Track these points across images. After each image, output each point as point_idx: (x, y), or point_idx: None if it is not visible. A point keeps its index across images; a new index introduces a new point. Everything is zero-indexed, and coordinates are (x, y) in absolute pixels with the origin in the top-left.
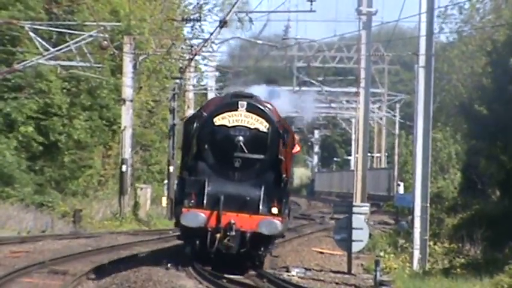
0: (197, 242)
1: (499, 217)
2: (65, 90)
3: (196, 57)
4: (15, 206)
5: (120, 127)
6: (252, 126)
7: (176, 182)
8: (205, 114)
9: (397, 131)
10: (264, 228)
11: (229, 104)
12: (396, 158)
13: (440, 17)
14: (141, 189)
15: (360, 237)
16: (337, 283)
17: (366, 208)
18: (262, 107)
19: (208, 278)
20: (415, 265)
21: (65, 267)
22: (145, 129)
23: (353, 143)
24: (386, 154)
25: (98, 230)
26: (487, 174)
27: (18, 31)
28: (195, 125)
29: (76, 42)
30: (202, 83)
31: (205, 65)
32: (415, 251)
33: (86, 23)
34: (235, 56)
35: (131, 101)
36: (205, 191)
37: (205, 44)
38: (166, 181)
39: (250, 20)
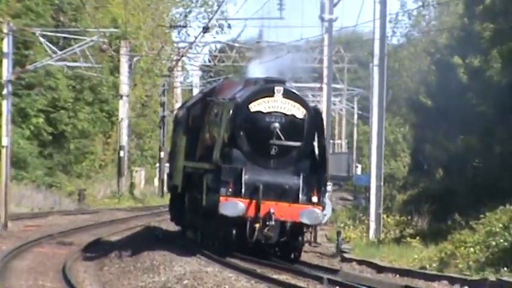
0: (234, 231)
1: (442, 194)
2: (70, 87)
3: (183, 58)
4: (28, 186)
5: (117, 118)
6: (288, 113)
7: (168, 165)
8: (238, 100)
9: (355, 121)
10: (306, 218)
11: (265, 90)
12: (354, 143)
13: (392, 23)
14: (136, 171)
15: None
16: (305, 251)
17: (329, 187)
18: (298, 93)
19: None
20: (371, 235)
21: (70, 238)
22: (140, 120)
23: None
24: (346, 140)
25: (99, 206)
26: (432, 157)
27: (30, 37)
28: (230, 112)
29: (80, 46)
30: (188, 81)
31: (190, 64)
32: (371, 223)
33: (88, 30)
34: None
35: (127, 96)
36: (243, 180)
37: (191, 47)
38: (157, 164)
39: (229, 26)
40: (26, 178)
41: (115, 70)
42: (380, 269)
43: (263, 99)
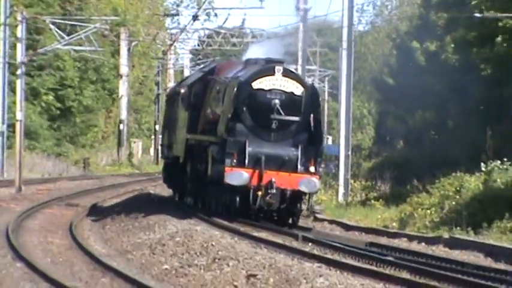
0: (237, 199)
1: (402, 162)
2: (76, 68)
3: (175, 43)
4: (39, 155)
5: (118, 96)
6: (287, 90)
7: (161, 136)
8: (242, 79)
9: (326, 98)
10: (304, 186)
11: (267, 69)
12: (326, 118)
13: (359, 12)
14: (134, 142)
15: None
16: None
17: None
18: (296, 72)
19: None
20: (340, 198)
21: (76, 201)
22: (137, 97)
23: None
24: None
25: (101, 173)
26: (393, 130)
27: (41, 24)
28: (234, 89)
29: (85, 32)
30: (179, 63)
31: (181, 48)
32: (340, 187)
33: (92, 18)
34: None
35: (126, 76)
36: (246, 151)
37: (182, 33)
38: (153, 136)
39: (216, 15)
40: (37, 148)
41: (115, 53)
42: (348, 228)
43: (264, 78)
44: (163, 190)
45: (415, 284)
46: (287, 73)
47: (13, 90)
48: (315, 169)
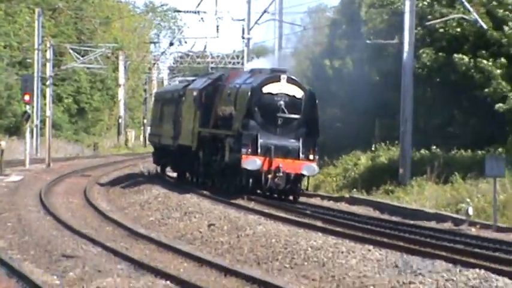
0: (250, 180)
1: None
2: (88, 80)
3: (157, 62)
4: (62, 141)
5: (117, 99)
6: (290, 94)
7: (149, 127)
8: (254, 84)
9: None
10: (306, 170)
11: (274, 77)
12: None
13: (285, 39)
14: (129, 132)
15: None
16: None
17: None
18: (297, 79)
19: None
20: None
21: (89, 173)
22: (131, 99)
23: None
24: None
25: (106, 153)
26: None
27: (63, 49)
28: (248, 93)
29: (94, 55)
30: (160, 76)
31: (162, 65)
32: None
33: (99, 44)
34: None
35: (123, 85)
36: (259, 143)
37: (162, 55)
38: (142, 127)
39: (186, 42)
40: (61, 136)
41: (116, 69)
42: None
43: (272, 84)
44: (149, 165)
45: (326, 230)
46: (290, 80)
47: (44, 96)
48: (313, 157)
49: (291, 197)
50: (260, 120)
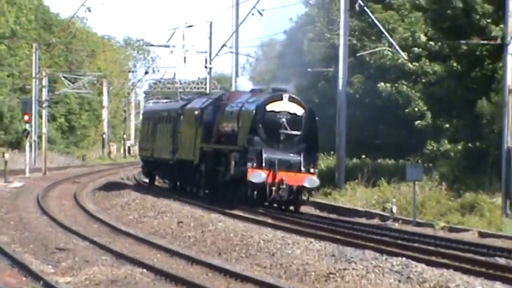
0: (255, 192)
1: None
2: (77, 103)
3: (135, 88)
4: (56, 153)
5: (102, 119)
6: (292, 111)
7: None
8: (258, 103)
9: None
10: (307, 183)
11: (276, 96)
12: None
13: (242, 68)
14: (112, 145)
15: None
16: None
17: None
18: (298, 98)
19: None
20: None
21: (79, 180)
22: (113, 118)
23: None
24: None
25: (93, 163)
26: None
27: (56, 77)
28: (253, 111)
29: (82, 82)
30: (137, 98)
31: (139, 90)
32: None
33: (86, 73)
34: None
35: (107, 107)
36: (263, 157)
37: (138, 82)
38: (122, 141)
39: (158, 71)
40: (54, 149)
41: (100, 94)
42: None
43: (275, 102)
44: (128, 173)
45: (275, 226)
46: (291, 98)
47: (40, 116)
48: (314, 170)
49: (292, 207)
50: (264, 136)
